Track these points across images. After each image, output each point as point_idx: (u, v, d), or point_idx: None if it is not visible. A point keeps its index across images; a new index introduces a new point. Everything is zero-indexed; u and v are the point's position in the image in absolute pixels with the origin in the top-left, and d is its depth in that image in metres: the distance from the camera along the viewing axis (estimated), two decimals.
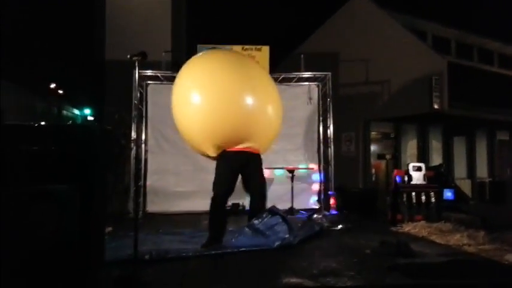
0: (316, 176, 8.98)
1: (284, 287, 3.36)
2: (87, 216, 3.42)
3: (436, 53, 11.18)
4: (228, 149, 5.15)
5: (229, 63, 5.31)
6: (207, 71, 5.23)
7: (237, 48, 8.67)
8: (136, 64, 3.93)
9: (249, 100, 5.13)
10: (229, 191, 5.18)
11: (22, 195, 3.19)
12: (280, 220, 5.21)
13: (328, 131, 8.88)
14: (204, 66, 5.36)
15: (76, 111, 11.58)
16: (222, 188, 5.11)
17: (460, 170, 13.21)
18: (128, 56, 3.83)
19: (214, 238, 4.96)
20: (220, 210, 5.16)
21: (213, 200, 5.12)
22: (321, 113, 9.12)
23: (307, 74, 8.99)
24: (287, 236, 4.98)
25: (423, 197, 6.81)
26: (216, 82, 5.06)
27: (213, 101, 5.02)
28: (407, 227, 6.21)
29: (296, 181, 8.27)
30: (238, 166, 5.18)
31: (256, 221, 5.16)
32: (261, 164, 5.44)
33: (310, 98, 9.07)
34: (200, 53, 5.81)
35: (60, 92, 10.70)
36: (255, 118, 5.13)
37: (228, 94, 5.01)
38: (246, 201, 7.76)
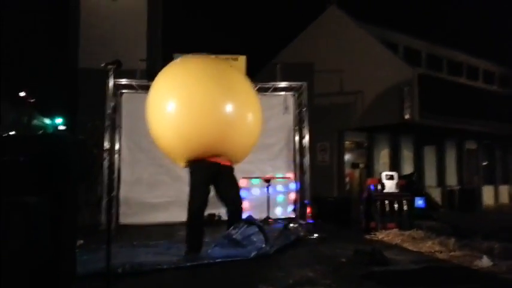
0: (292, 185, 9.03)
1: None
2: (58, 228, 3.33)
3: (407, 65, 11.52)
4: (199, 160, 5.12)
5: (206, 71, 5.26)
6: (182, 80, 5.19)
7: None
8: (111, 73, 3.88)
9: (226, 109, 5.11)
10: (204, 202, 5.21)
11: None
12: (257, 230, 5.22)
13: (304, 141, 8.96)
14: (179, 75, 5.31)
15: (47, 121, 11.26)
16: (196, 201, 5.13)
17: (430, 178, 13.56)
18: (102, 65, 3.78)
19: (193, 249, 4.98)
20: (196, 223, 5.17)
21: (188, 212, 5.15)
22: (296, 122, 9.20)
23: (283, 84, 9.07)
24: (263, 245, 4.98)
25: (396, 205, 6.95)
26: (191, 92, 5.03)
27: (187, 111, 4.98)
28: (381, 235, 6.32)
29: (272, 190, 8.29)
30: (210, 177, 5.21)
31: (233, 231, 5.14)
32: (233, 174, 5.45)
33: (286, 108, 9.15)
34: (178, 59, 5.72)
35: (31, 100, 10.39)
36: (232, 127, 5.12)
37: (203, 104, 4.98)
38: (221, 211, 7.72)
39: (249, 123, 5.37)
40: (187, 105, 5.00)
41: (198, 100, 4.97)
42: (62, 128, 10.59)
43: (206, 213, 8.18)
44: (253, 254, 4.76)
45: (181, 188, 8.45)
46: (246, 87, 5.57)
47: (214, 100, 5.06)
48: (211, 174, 5.19)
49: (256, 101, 5.59)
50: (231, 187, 5.38)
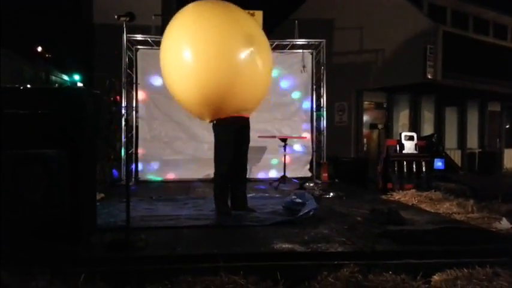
0: (308, 145, 8.99)
1: (275, 252, 3.39)
2: (77, 181, 3.38)
3: (432, 22, 11.02)
4: (225, 117, 4.81)
5: (219, 17, 4.79)
6: (197, 27, 4.83)
7: None
8: (124, 26, 3.78)
9: (240, 56, 4.64)
10: (233, 164, 4.85)
11: (11, 160, 3.13)
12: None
13: (321, 100, 8.81)
14: (193, 21, 4.93)
15: (65, 77, 11.31)
16: (226, 163, 4.79)
17: (450, 140, 13.33)
18: (115, 17, 3.69)
19: (225, 213, 4.79)
20: (226, 186, 4.92)
21: (219, 175, 4.87)
22: (314, 81, 9.01)
23: (301, 41, 8.82)
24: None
25: (414, 166, 6.87)
26: (207, 38, 4.70)
27: (205, 58, 4.66)
28: (398, 196, 6.27)
29: (288, 150, 8.26)
30: (236, 135, 4.89)
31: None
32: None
33: (303, 66, 8.93)
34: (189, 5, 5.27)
35: (48, 56, 10.40)
36: (246, 72, 4.71)
37: (220, 49, 4.57)
38: None
39: (262, 69, 4.89)
40: (205, 55, 4.60)
41: (214, 47, 4.58)
42: (79, 84, 10.65)
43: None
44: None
45: (198, 146, 8.55)
46: (258, 33, 5.17)
47: (230, 46, 4.66)
48: (237, 130, 4.88)
49: (267, 46, 5.15)
50: (247, 145, 5.12)
